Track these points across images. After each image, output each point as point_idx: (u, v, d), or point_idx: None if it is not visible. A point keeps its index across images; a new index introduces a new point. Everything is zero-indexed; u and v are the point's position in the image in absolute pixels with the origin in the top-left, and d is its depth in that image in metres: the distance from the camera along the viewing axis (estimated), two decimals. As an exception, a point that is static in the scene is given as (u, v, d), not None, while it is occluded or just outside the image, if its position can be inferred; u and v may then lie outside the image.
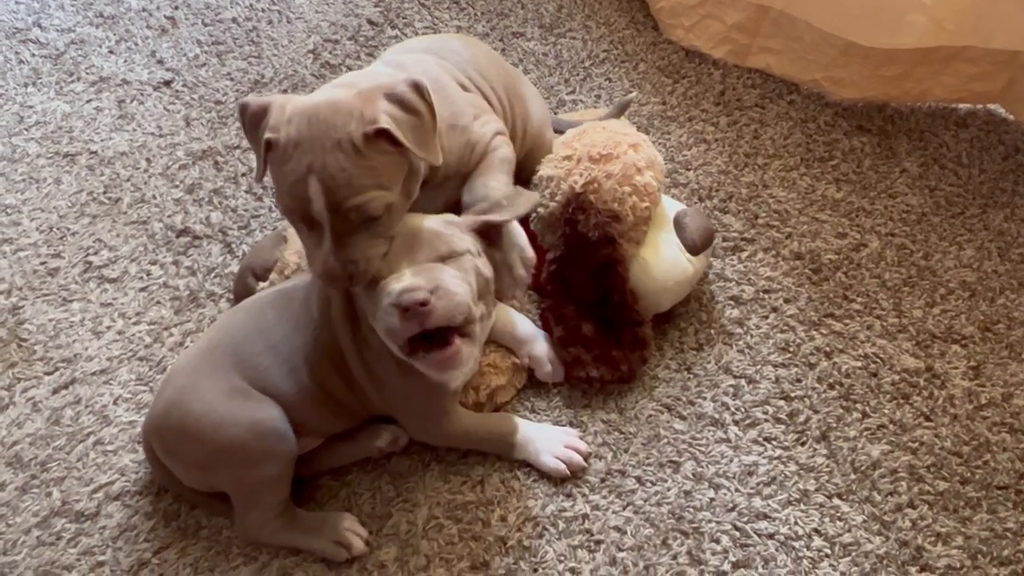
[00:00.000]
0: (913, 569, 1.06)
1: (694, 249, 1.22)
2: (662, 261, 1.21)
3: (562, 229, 1.18)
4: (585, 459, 1.13)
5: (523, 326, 1.20)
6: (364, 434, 1.14)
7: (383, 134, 0.93)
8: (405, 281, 0.94)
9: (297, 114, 0.95)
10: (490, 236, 1.06)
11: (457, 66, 1.18)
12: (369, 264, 0.97)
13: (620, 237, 1.17)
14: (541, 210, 1.20)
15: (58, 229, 1.41)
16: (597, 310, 1.22)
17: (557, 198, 1.18)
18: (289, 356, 1.06)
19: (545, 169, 1.22)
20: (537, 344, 1.20)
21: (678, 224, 1.24)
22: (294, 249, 1.21)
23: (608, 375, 1.19)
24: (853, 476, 1.14)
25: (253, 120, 0.98)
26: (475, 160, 1.13)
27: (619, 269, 1.18)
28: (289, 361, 1.05)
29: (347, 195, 0.93)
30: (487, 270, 1.03)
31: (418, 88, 0.96)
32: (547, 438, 1.13)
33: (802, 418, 1.19)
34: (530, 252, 1.10)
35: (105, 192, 1.46)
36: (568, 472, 1.12)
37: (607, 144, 1.20)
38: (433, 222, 1.02)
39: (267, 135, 0.95)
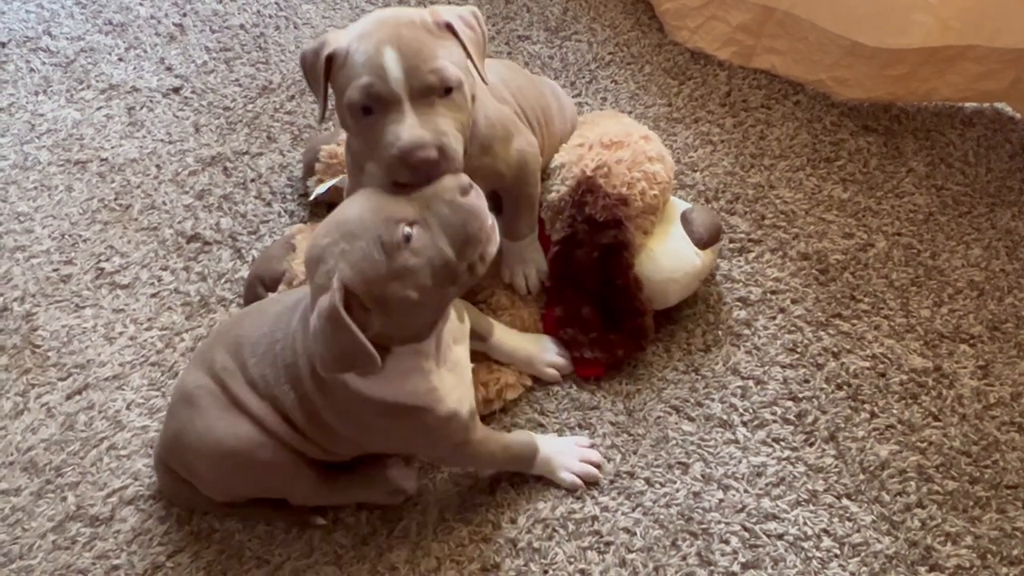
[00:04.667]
0: (923, 569, 1.06)
1: (701, 243, 1.23)
2: (669, 251, 1.22)
3: (570, 211, 1.19)
4: (599, 469, 1.14)
5: (530, 347, 1.22)
6: (383, 478, 1.10)
7: (449, 28, 0.96)
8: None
9: (359, 25, 0.96)
10: None
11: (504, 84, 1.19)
12: (457, 142, 0.94)
13: (627, 220, 1.18)
14: (552, 195, 1.21)
15: (70, 236, 1.42)
16: (599, 297, 1.22)
17: (568, 182, 1.20)
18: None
19: (557, 157, 1.25)
20: (544, 359, 1.23)
21: (685, 220, 1.25)
22: (302, 259, 1.22)
23: (603, 358, 1.21)
24: (862, 476, 1.14)
25: (312, 59, 0.97)
26: (509, 176, 1.14)
27: (624, 253, 1.19)
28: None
29: (424, 59, 0.92)
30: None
31: (475, 13, 1.01)
32: (564, 453, 1.13)
33: (810, 419, 1.20)
34: (544, 268, 1.22)
35: (116, 199, 1.48)
36: (584, 485, 1.13)
37: (619, 133, 1.23)
38: None
39: (327, 50, 0.94)
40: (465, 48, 0.97)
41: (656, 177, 1.21)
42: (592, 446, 1.16)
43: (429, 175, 0.90)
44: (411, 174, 0.90)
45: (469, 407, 1.02)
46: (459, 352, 1.02)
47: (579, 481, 1.12)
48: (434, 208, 0.88)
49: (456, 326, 1.02)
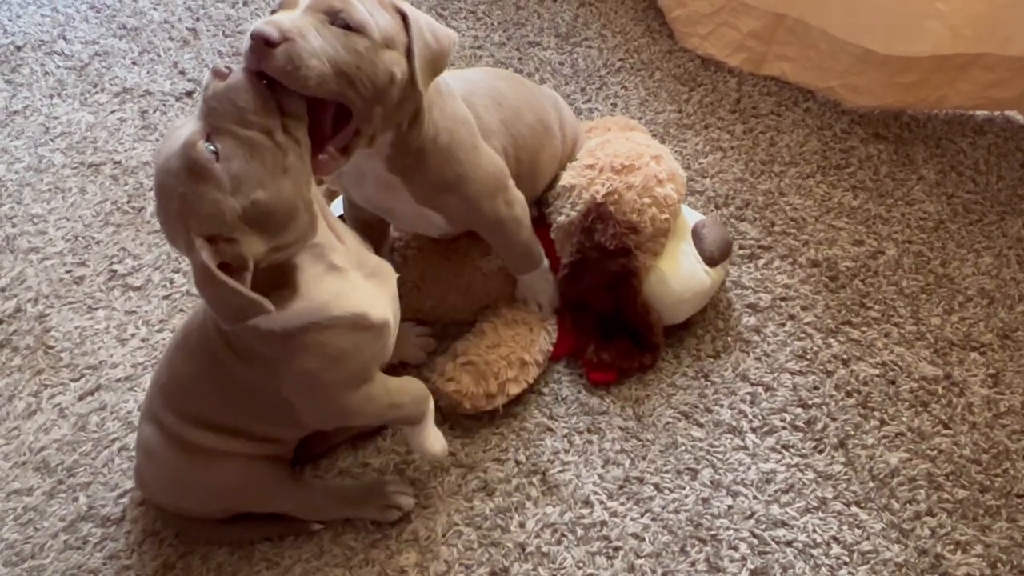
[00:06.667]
0: (932, 577, 1.06)
1: (712, 261, 1.23)
2: (679, 272, 1.22)
3: (579, 237, 1.20)
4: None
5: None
6: (379, 494, 1.11)
7: (401, 16, 0.89)
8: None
9: None
10: None
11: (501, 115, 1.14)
12: (316, 59, 0.81)
13: (636, 248, 1.18)
14: (561, 219, 1.21)
15: (83, 238, 1.44)
16: (610, 318, 1.24)
17: (578, 207, 1.19)
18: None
19: (567, 178, 1.23)
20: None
21: (696, 235, 1.24)
22: None
23: (614, 361, 1.24)
24: (871, 484, 1.14)
25: None
26: (483, 228, 1.15)
27: (632, 281, 1.19)
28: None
29: None
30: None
31: (451, 37, 0.94)
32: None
33: (820, 426, 1.20)
34: (554, 298, 1.25)
35: (129, 201, 1.49)
36: (445, 464, 1.13)
37: (629, 155, 1.21)
38: None
39: None
40: (410, 46, 0.89)
41: (667, 200, 1.20)
42: None
43: (260, 57, 0.79)
44: (250, 55, 0.80)
45: (396, 322, 0.99)
46: (380, 261, 0.99)
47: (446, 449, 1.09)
48: (211, 109, 0.80)
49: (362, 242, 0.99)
